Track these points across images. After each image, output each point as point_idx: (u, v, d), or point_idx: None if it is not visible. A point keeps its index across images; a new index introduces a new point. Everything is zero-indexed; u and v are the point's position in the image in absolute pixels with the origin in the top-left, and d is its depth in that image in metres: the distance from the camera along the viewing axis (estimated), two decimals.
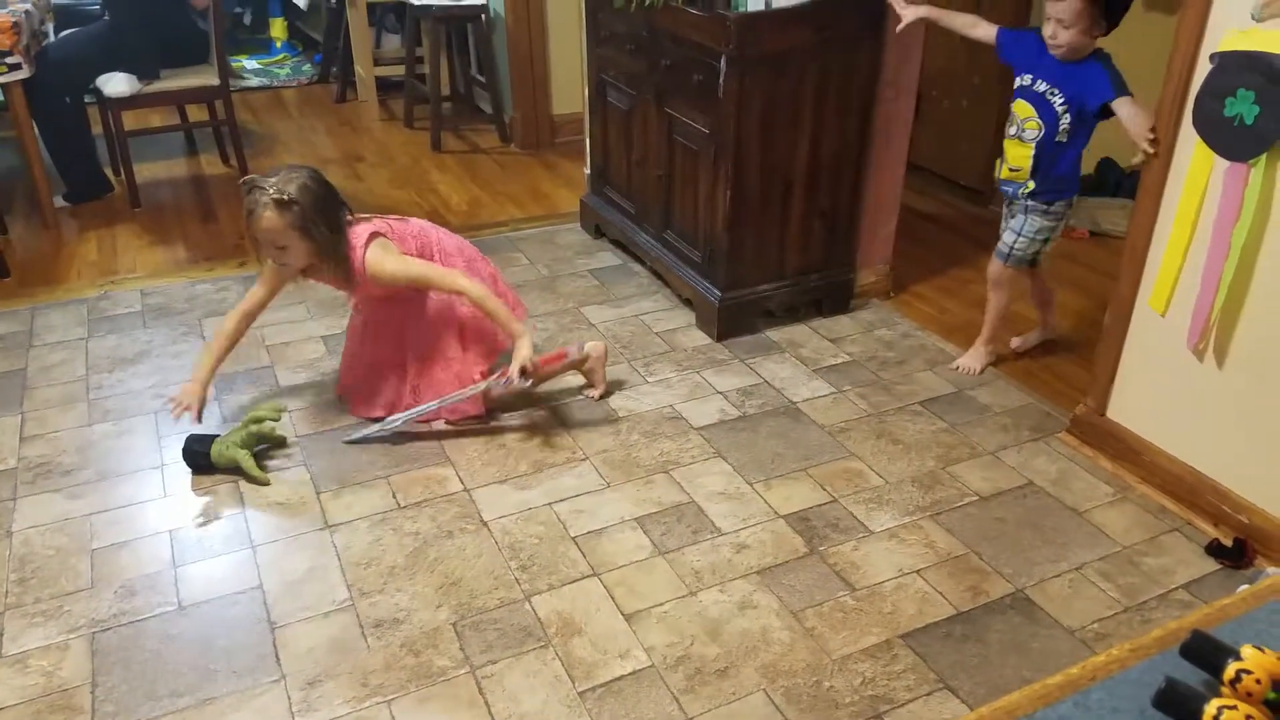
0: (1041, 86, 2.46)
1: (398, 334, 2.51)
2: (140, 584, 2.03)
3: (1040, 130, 2.47)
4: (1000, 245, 2.69)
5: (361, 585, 2.03)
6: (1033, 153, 2.50)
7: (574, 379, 2.73)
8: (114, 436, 2.50)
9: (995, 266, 2.72)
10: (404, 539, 2.16)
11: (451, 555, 2.11)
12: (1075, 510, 2.27)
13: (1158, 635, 0.96)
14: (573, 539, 2.16)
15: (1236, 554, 2.09)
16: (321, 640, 1.90)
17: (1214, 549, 2.13)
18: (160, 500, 2.28)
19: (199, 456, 2.34)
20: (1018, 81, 2.52)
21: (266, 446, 2.43)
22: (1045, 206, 2.57)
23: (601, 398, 2.64)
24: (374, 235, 2.34)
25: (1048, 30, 2.40)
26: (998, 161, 2.64)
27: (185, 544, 2.14)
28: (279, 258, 2.28)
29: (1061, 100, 2.42)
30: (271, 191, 2.17)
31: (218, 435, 2.36)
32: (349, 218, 2.35)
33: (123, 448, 2.46)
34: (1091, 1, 2.31)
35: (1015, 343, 2.93)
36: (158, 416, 2.58)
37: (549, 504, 2.27)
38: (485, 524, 2.21)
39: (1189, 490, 2.24)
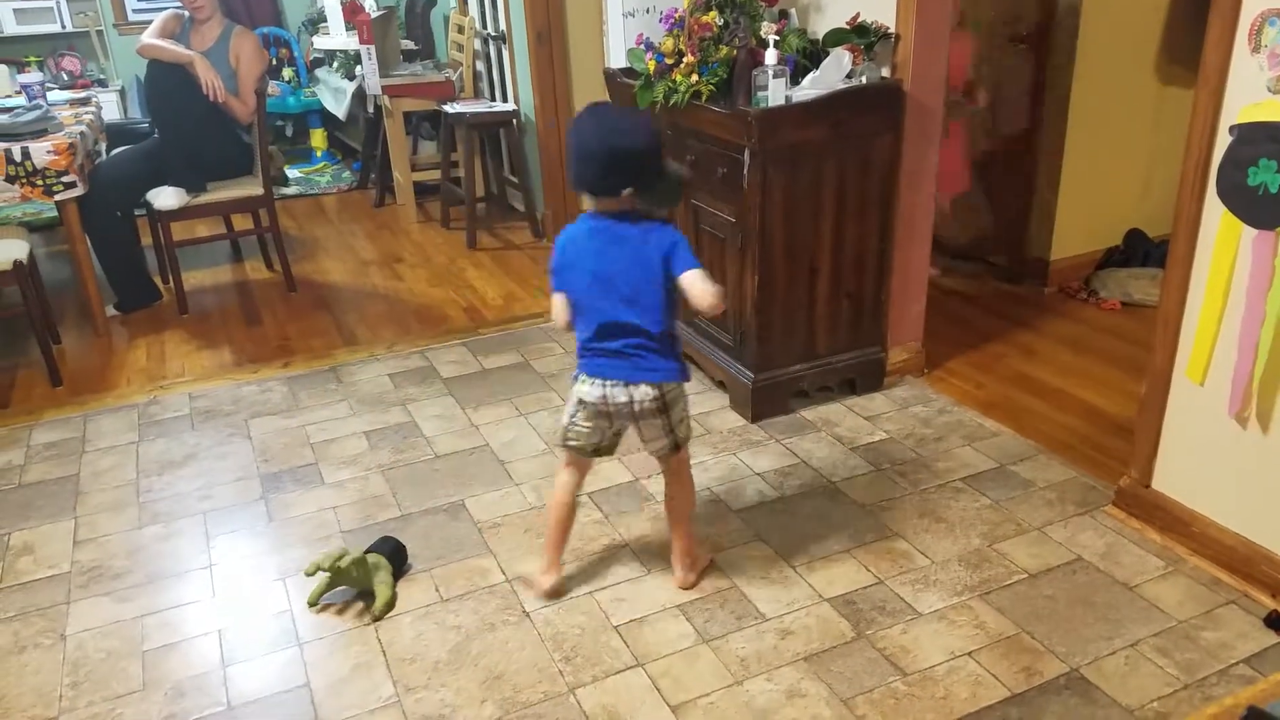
0: None
1: None
2: (189, 685, 2.04)
3: None
4: None
5: (406, 681, 2.03)
6: None
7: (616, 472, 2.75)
8: (163, 539, 2.55)
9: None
10: (447, 633, 2.16)
11: (494, 648, 2.11)
12: (1126, 585, 2.23)
13: (1212, 712, 0.94)
14: (615, 628, 2.15)
15: None
16: None
17: (1273, 621, 2.07)
18: (209, 600, 2.31)
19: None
20: None
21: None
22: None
23: None
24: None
25: None
26: None
27: (233, 644, 2.16)
28: None
29: None
30: None
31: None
32: None
33: (172, 550, 2.50)
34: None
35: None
36: (206, 517, 2.63)
37: (590, 592, 2.27)
38: (527, 615, 2.21)
39: (1243, 561, 2.19)
